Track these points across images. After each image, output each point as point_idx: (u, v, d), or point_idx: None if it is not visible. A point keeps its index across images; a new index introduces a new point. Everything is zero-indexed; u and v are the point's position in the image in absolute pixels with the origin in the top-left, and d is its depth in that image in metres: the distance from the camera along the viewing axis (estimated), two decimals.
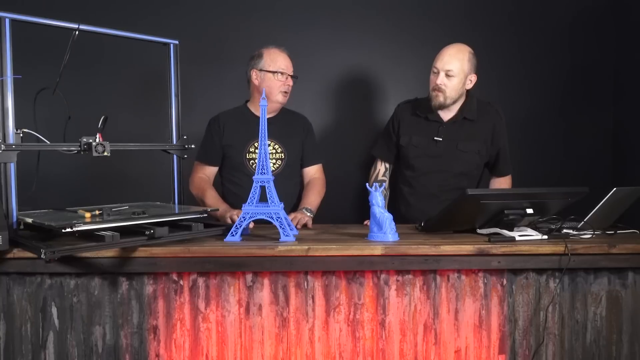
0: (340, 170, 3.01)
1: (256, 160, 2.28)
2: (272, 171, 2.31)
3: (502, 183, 2.45)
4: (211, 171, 2.36)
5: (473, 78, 2.29)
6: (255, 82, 2.32)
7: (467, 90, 2.33)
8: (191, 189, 2.32)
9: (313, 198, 2.33)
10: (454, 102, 2.28)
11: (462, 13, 3.04)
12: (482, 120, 2.33)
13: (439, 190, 2.33)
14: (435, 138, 2.31)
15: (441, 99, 2.25)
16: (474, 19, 3.04)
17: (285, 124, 2.38)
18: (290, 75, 2.32)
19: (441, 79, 2.22)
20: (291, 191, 2.37)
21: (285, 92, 2.31)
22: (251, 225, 2.03)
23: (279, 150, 2.34)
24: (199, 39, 2.86)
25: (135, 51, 2.64)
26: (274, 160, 2.34)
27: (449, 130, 2.31)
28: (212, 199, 2.22)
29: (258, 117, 2.32)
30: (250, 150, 2.32)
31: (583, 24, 3.07)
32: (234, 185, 2.34)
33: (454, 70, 2.21)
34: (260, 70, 2.29)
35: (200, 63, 2.89)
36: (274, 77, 2.27)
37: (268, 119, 2.34)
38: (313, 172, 2.46)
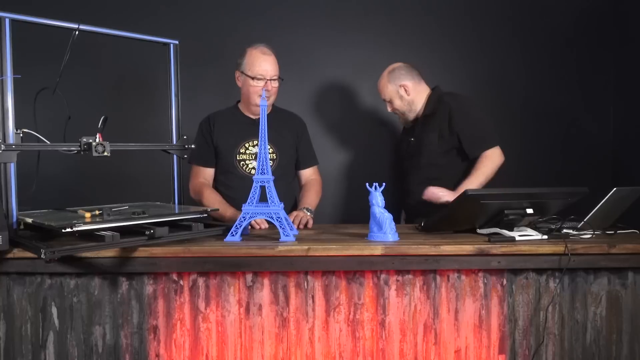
0: (340, 170, 3.02)
1: (247, 162, 2.28)
2: None
3: (477, 163, 2.33)
4: (209, 173, 2.33)
5: (404, 87, 2.46)
6: (238, 83, 2.30)
7: (432, 90, 2.50)
8: (192, 195, 2.29)
9: (312, 198, 2.32)
10: (414, 111, 2.49)
11: (462, 13, 3.04)
12: (438, 110, 2.41)
13: (415, 185, 2.41)
14: (411, 139, 2.50)
15: (402, 119, 2.56)
16: (474, 19, 3.04)
17: (278, 125, 2.32)
18: (273, 79, 2.23)
19: (389, 108, 2.54)
20: (283, 192, 2.28)
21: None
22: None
23: (270, 151, 2.30)
24: (199, 39, 2.86)
25: (135, 51, 2.64)
26: None
27: (417, 129, 2.47)
28: (216, 203, 2.18)
29: (248, 118, 2.33)
30: (241, 151, 2.29)
31: (583, 23, 3.07)
32: (225, 187, 2.30)
33: (387, 97, 2.50)
34: (242, 72, 2.25)
35: (200, 63, 2.89)
36: (252, 82, 2.22)
37: (259, 119, 2.31)
38: (309, 174, 2.44)
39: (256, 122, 2.29)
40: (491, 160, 2.33)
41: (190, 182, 2.32)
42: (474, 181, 2.26)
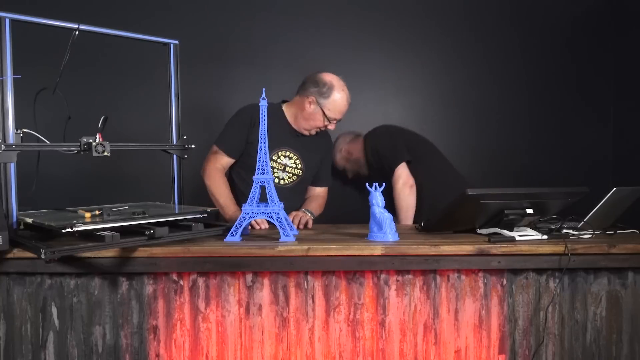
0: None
1: (275, 170, 2.26)
2: (285, 185, 2.29)
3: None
4: (227, 162, 2.27)
5: (344, 150, 2.72)
6: (307, 107, 2.23)
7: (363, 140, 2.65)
8: (205, 178, 2.22)
9: (314, 205, 2.33)
10: (364, 164, 2.65)
11: (462, 13, 3.04)
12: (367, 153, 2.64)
13: None
14: None
15: (364, 175, 2.69)
16: (474, 20, 3.04)
17: (313, 140, 2.33)
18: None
19: (349, 175, 2.77)
20: (297, 207, 2.29)
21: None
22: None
23: (299, 166, 2.30)
24: (199, 39, 2.86)
25: (135, 51, 2.64)
26: (290, 174, 2.30)
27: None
28: (223, 196, 2.17)
29: (292, 128, 2.30)
30: (273, 158, 2.26)
31: (583, 24, 3.07)
32: (245, 184, 2.26)
33: (341, 167, 2.75)
34: (318, 104, 2.21)
35: (200, 63, 2.89)
36: (324, 119, 2.22)
37: (301, 134, 2.31)
38: (319, 191, 2.44)
39: (298, 135, 2.30)
40: (398, 182, 2.41)
41: (207, 163, 2.24)
42: (402, 218, 2.41)
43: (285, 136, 2.28)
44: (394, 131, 2.59)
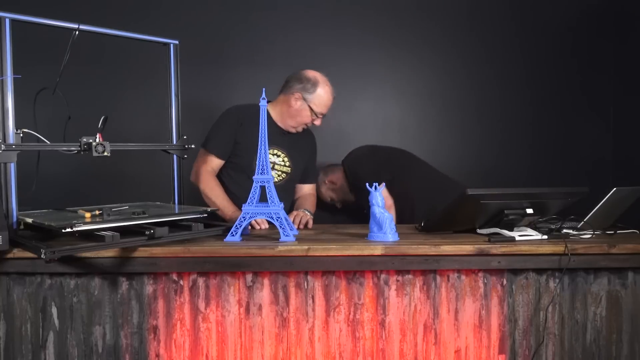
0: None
1: None
2: (275, 183, 2.28)
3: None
4: (218, 164, 2.28)
5: (328, 182, 2.76)
6: (294, 104, 2.24)
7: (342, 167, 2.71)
8: (197, 181, 2.22)
9: (309, 205, 2.34)
10: (348, 191, 2.72)
11: (463, 13, 3.04)
12: (350, 174, 2.70)
13: None
14: None
15: (351, 200, 2.77)
16: (474, 20, 3.04)
17: (299, 139, 2.36)
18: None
19: (338, 205, 2.83)
20: (288, 205, 2.32)
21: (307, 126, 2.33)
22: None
23: (287, 164, 2.32)
24: (199, 38, 2.86)
25: (135, 51, 2.64)
26: (279, 172, 2.31)
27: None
28: (219, 197, 2.17)
29: (278, 127, 2.31)
30: None
31: (584, 25, 3.07)
32: (234, 184, 2.28)
33: (328, 199, 2.79)
34: (304, 100, 2.23)
35: (201, 63, 2.89)
36: (310, 114, 2.24)
37: (287, 132, 2.32)
38: (308, 190, 2.46)
39: (285, 134, 2.32)
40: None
41: (198, 168, 2.24)
42: None
43: (272, 135, 2.25)
44: (369, 152, 2.64)
